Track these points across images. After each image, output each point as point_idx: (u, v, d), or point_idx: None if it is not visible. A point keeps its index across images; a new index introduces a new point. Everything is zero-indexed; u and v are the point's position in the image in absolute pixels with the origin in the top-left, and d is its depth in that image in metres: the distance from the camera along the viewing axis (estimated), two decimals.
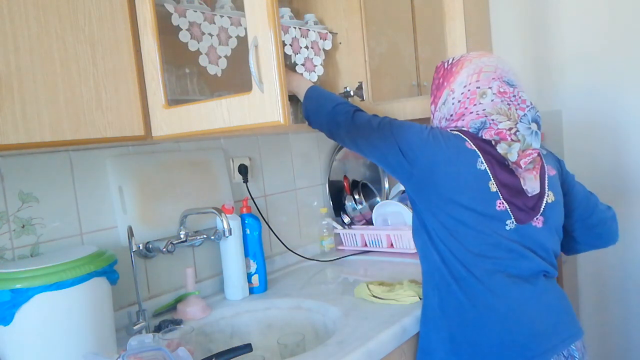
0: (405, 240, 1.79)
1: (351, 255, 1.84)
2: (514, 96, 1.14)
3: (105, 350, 1.05)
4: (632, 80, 1.99)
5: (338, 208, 1.98)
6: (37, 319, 0.98)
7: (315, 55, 1.73)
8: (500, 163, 1.12)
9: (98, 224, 1.30)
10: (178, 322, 1.30)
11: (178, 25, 1.29)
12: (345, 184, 2.03)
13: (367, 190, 2.07)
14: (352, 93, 1.83)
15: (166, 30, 1.24)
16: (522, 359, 1.06)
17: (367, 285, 1.34)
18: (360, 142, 1.24)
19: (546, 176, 1.17)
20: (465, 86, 1.16)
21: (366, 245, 1.90)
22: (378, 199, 2.08)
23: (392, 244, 1.84)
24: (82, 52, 1.04)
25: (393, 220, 1.88)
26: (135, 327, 1.22)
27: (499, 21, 2.26)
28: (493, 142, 1.14)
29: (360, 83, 1.82)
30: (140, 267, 1.38)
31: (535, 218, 1.13)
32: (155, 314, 1.38)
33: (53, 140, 0.99)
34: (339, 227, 1.92)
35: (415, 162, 1.14)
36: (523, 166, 1.12)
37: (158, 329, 1.27)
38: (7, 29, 0.93)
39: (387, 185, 2.23)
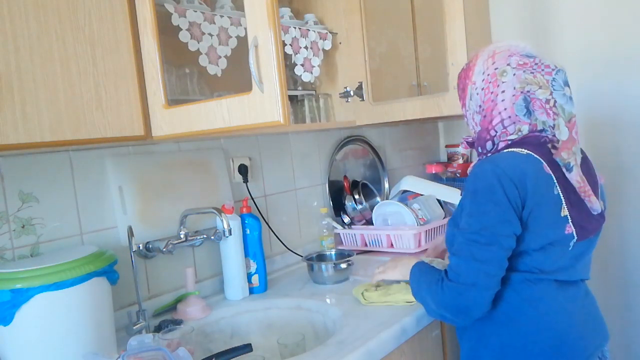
0: (405, 240, 1.79)
1: None
2: (536, 64, 1.10)
3: (105, 350, 1.05)
4: (633, 80, 1.99)
5: (338, 208, 1.98)
6: (37, 319, 0.98)
7: (314, 55, 1.73)
8: (567, 182, 1.08)
9: (98, 224, 1.30)
10: (178, 322, 1.30)
11: (178, 25, 1.29)
12: (345, 184, 2.02)
13: (367, 190, 2.07)
14: (352, 93, 1.84)
15: (166, 30, 1.24)
16: None
17: (362, 294, 1.33)
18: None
19: (598, 186, 1.15)
20: (483, 73, 1.13)
21: (366, 245, 1.90)
22: (378, 199, 2.08)
23: (392, 244, 1.84)
24: (82, 52, 1.04)
25: (393, 220, 1.88)
26: (135, 327, 1.22)
27: (499, 21, 2.26)
28: (552, 132, 1.08)
29: (360, 83, 1.83)
30: (140, 267, 1.38)
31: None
32: (155, 314, 1.38)
33: (53, 140, 0.99)
34: (339, 227, 1.92)
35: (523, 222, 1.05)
36: (576, 137, 1.08)
37: (158, 329, 1.27)
38: (7, 29, 0.93)
39: (387, 185, 2.23)
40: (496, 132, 1.12)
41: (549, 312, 1.07)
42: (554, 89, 1.07)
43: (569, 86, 1.09)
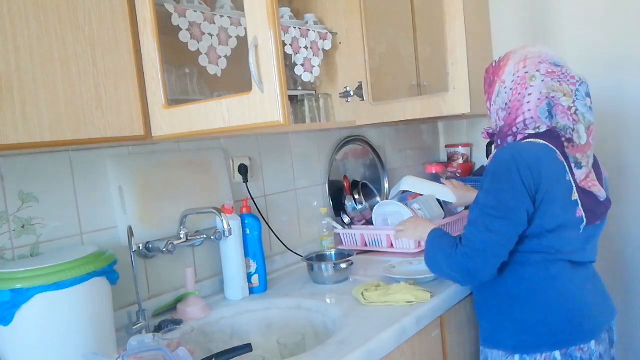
0: (405, 240, 1.79)
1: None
2: (563, 74, 1.21)
3: (105, 350, 1.05)
4: (633, 79, 1.99)
5: (338, 208, 1.98)
6: (37, 319, 0.98)
7: (314, 55, 1.73)
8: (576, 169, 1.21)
9: (98, 224, 1.30)
10: (178, 322, 1.30)
11: (178, 25, 1.29)
12: (345, 184, 2.02)
13: (367, 190, 2.07)
14: (352, 93, 1.83)
15: (166, 30, 1.24)
16: (585, 333, 1.20)
17: (362, 294, 1.33)
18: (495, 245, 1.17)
19: (603, 178, 1.29)
20: (514, 74, 1.24)
21: (366, 245, 1.89)
22: (378, 199, 2.08)
23: (392, 244, 1.84)
24: (82, 52, 1.04)
25: (393, 220, 1.87)
26: (135, 327, 1.22)
27: (499, 21, 2.26)
28: (571, 133, 1.20)
29: (360, 83, 1.83)
30: (140, 267, 1.38)
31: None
32: (155, 314, 1.38)
33: (53, 140, 0.99)
34: (339, 227, 1.92)
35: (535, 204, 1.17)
36: (592, 142, 1.21)
37: (158, 329, 1.27)
38: (7, 29, 0.93)
39: (387, 185, 2.23)
40: (517, 128, 1.25)
41: (565, 288, 1.20)
42: (576, 98, 1.20)
43: (590, 97, 1.22)
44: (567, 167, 1.18)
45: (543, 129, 1.21)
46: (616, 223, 2.05)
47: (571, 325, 1.19)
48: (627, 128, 2.03)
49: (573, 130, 1.20)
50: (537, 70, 1.22)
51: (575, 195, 1.18)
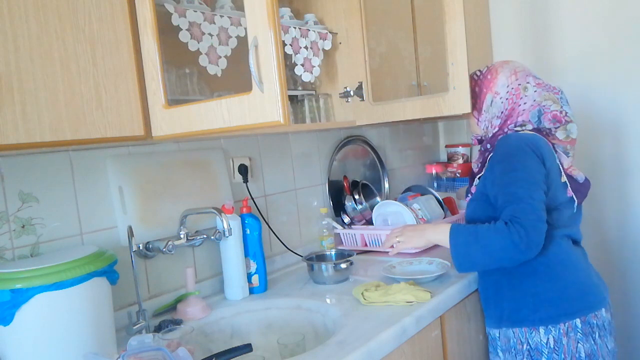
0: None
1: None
2: (546, 85, 1.38)
3: (105, 350, 1.05)
4: (632, 80, 1.99)
5: (338, 208, 1.98)
6: (37, 319, 0.98)
7: (314, 55, 1.73)
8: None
9: (98, 224, 1.30)
10: (178, 322, 1.30)
11: (178, 25, 1.29)
12: (345, 184, 2.02)
13: (367, 190, 2.07)
14: (352, 93, 1.83)
15: (166, 30, 1.24)
16: (597, 301, 1.30)
17: (362, 293, 1.34)
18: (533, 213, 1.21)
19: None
20: (508, 86, 1.38)
21: (366, 245, 1.89)
22: (378, 199, 2.08)
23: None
24: (82, 52, 1.04)
25: (393, 220, 1.87)
26: (135, 327, 1.22)
27: (499, 21, 2.26)
28: (553, 131, 1.34)
29: (360, 83, 1.82)
30: (140, 267, 1.38)
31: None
32: (155, 314, 1.38)
33: (53, 140, 0.99)
34: (339, 227, 1.92)
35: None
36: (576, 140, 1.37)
37: (158, 329, 1.27)
38: (7, 29, 0.93)
39: (387, 185, 2.23)
40: (508, 129, 1.38)
41: (575, 261, 1.32)
42: (562, 104, 1.37)
43: (568, 103, 1.39)
44: (555, 153, 1.31)
45: (529, 127, 1.35)
46: (613, 223, 2.06)
47: (585, 294, 1.30)
48: (626, 127, 2.03)
49: (556, 130, 1.34)
50: (528, 82, 1.37)
51: (564, 178, 1.31)
